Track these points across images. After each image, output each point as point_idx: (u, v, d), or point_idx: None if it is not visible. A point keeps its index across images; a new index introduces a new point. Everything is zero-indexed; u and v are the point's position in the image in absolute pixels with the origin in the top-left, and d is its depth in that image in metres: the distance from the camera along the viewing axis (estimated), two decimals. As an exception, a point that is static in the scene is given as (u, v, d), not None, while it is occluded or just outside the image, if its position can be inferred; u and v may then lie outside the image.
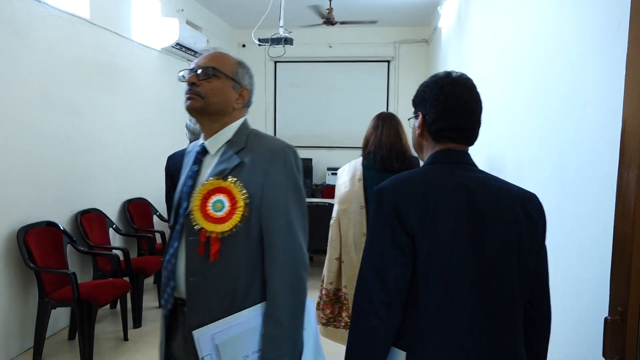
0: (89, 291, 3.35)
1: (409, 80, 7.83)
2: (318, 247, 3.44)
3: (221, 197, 1.41)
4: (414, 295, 1.19)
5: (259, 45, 5.14)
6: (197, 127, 4.51)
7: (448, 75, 1.32)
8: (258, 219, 1.42)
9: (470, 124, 1.30)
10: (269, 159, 1.44)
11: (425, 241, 1.17)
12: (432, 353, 1.19)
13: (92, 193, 4.26)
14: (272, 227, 1.42)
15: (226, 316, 1.40)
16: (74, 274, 3.30)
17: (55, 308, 3.40)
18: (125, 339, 3.70)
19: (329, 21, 5.83)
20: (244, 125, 1.55)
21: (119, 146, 4.71)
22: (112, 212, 4.59)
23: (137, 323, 3.97)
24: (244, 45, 8.03)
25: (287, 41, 5.02)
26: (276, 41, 5.03)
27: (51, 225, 3.65)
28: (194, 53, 5.88)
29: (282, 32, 5.10)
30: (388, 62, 7.88)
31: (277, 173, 1.43)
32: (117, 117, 4.66)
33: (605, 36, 1.46)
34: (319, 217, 4.13)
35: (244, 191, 1.40)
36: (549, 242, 1.25)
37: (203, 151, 1.53)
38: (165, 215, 5.33)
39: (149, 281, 4.47)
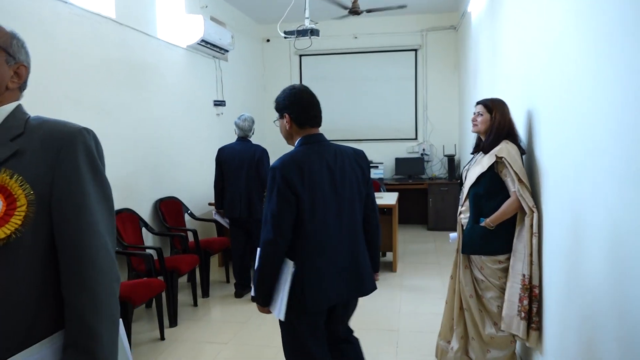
0: (125, 292, 3.34)
1: (437, 68, 7.64)
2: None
3: None
4: (303, 227, 2.03)
5: (285, 37, 5.06)
6: (246, 124, 4.51)
7: (296, 87, 2.17)
8: (49, 221, 1.12)
9: (318, 112, 2.18)
10: (59, 144, 1.15)
11: (305, 195, 2.02)
12: (314, 259, 2.05)
13: (124, 193, 4.26)
14: (68, 232, 1.11)
15: (4, 355, 1.06)
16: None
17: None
18: (162, 338, 3.69)
19: (354, 11, 5.70)
20: (19, 109, 1.23)
21: (149, 144, 4.71)
22: (145, 211, 4.59)
23: (174, 322, 3.96)
24: (268, 40, 7.98)
25: (314, 32, 4.93)
26: (302, 33, 4.94)
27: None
28: (220, 49, 5.84)
29: (307, 24, 5.01)
30: (415, 50, 7.71)
31: (71, 162, 1.14)
32: (145, 116, 4.65)
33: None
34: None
35: (26, 186, 1.09)
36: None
37: None
38: (196, 213, 5.32)
39: (182, 279, 4.46)
